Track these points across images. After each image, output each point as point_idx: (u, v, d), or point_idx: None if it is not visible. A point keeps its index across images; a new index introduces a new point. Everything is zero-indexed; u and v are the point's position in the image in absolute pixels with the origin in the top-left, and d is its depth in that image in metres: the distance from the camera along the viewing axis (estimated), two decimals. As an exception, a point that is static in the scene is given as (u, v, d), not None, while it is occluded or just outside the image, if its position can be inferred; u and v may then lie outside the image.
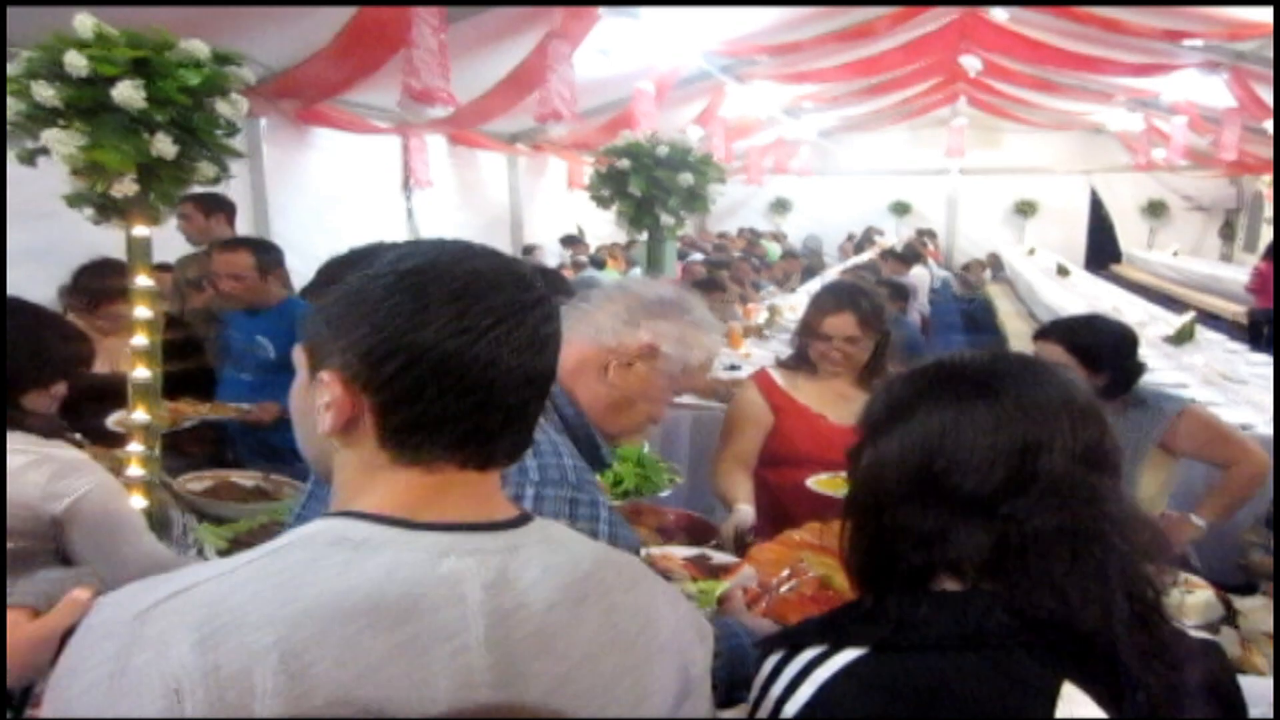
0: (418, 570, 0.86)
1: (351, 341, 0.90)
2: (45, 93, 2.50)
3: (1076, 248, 19.54)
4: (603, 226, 15.05)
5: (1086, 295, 11.36)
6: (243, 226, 7.98)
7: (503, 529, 0.95)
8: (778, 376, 3.22)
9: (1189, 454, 2.99)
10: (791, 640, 1.11)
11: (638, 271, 10.19)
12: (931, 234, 18.69)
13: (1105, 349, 2.86)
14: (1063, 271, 13.76)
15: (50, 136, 2.55)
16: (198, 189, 3.00)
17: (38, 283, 5.16)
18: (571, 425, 1.65)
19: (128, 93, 2.49)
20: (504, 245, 11.75)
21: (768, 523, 2.86)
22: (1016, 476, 1.05)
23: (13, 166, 5.54)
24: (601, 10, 7.08)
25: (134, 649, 0.77)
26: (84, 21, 2.56)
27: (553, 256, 12.12)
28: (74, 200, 4.99)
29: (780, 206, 20.71)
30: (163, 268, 4.52)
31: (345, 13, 5.75)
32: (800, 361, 3.15)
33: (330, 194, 8.58)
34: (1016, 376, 1.12)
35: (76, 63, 2.49)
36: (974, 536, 1.04)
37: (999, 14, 9.53)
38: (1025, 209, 20.34)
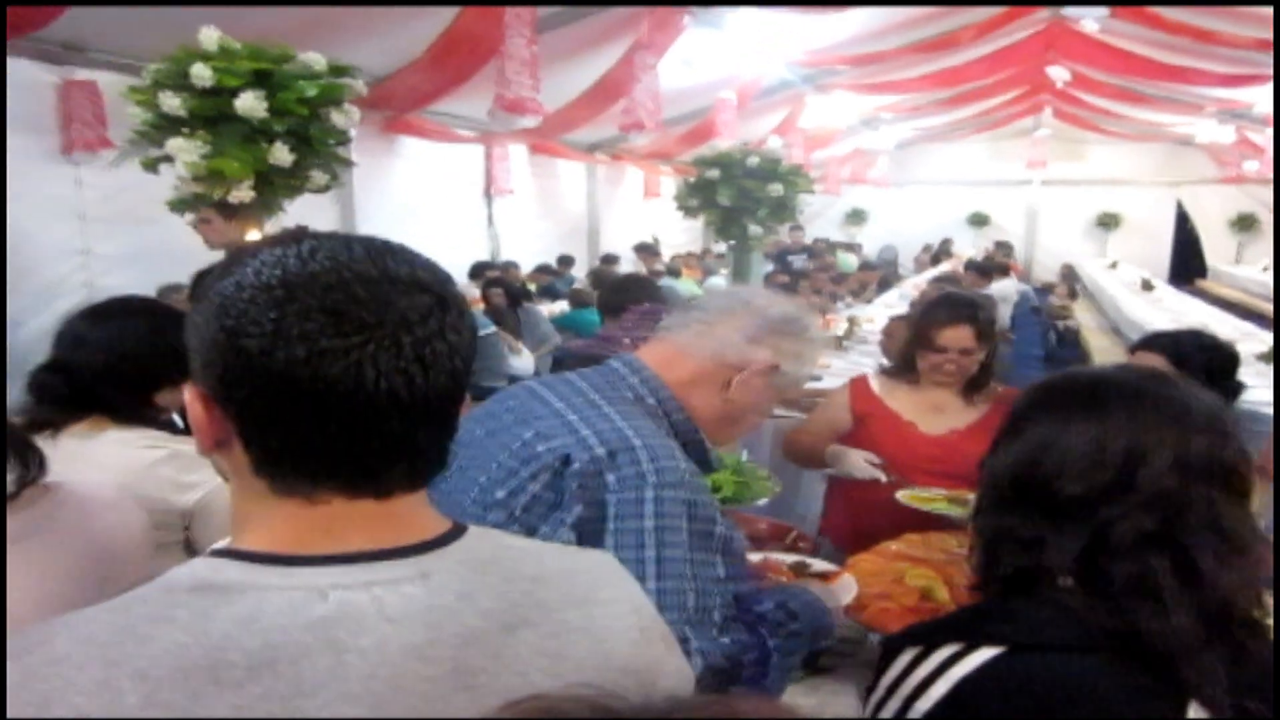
0: (283, 616, 0.77)
1: (207, 360, 0.81)
2: (171, 102, 2.62)
3: (1160, 262, 19.04)
4: (676, 235, 15.11)
5: (1172, 310, 11.08)
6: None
7: (413, 553, 0.84)
8: (875, 383, 3.23)
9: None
10: (923, 639, 1.12)
11: (718, 280, 10.22)
12: (1009, 246, 18.38)
13: (1207, 364, 2.81)
14: (1147, 286, 13.44)
15: (175, 145, 2.67)
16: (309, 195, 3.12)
17: (139, 285, 5.36)
18: (680, 431, 1.65)
19: (250, 103, 2.60)
20: (581, 253, 11.88)
21: (845, 528, 2.88)
22: (1115, 483, 1.06)
23: (114, 176, 5.80)
24: (687, 20, 7.12)
25: None
26: (209, 34, 2.68)
27: (628, 264, 12.18)
28: (176, 206, 5.19)
29: (856, 217, 20.55)
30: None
31: (439, 24, 5.88)
32: (904, 370, 3.16)
33: (414, 201, 8.75)
34: (1127, 386, 1.15)
35: (202, 74, 2.61)
36: (1068, 542, 1.07)
37: (1089, 24, 9.37)
38: (1108, 222, 19.90)
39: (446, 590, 0.83)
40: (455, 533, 0.89)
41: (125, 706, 0.72)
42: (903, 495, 2.77)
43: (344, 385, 0.77)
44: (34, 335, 5.50)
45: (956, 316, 3.02)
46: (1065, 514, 1.08)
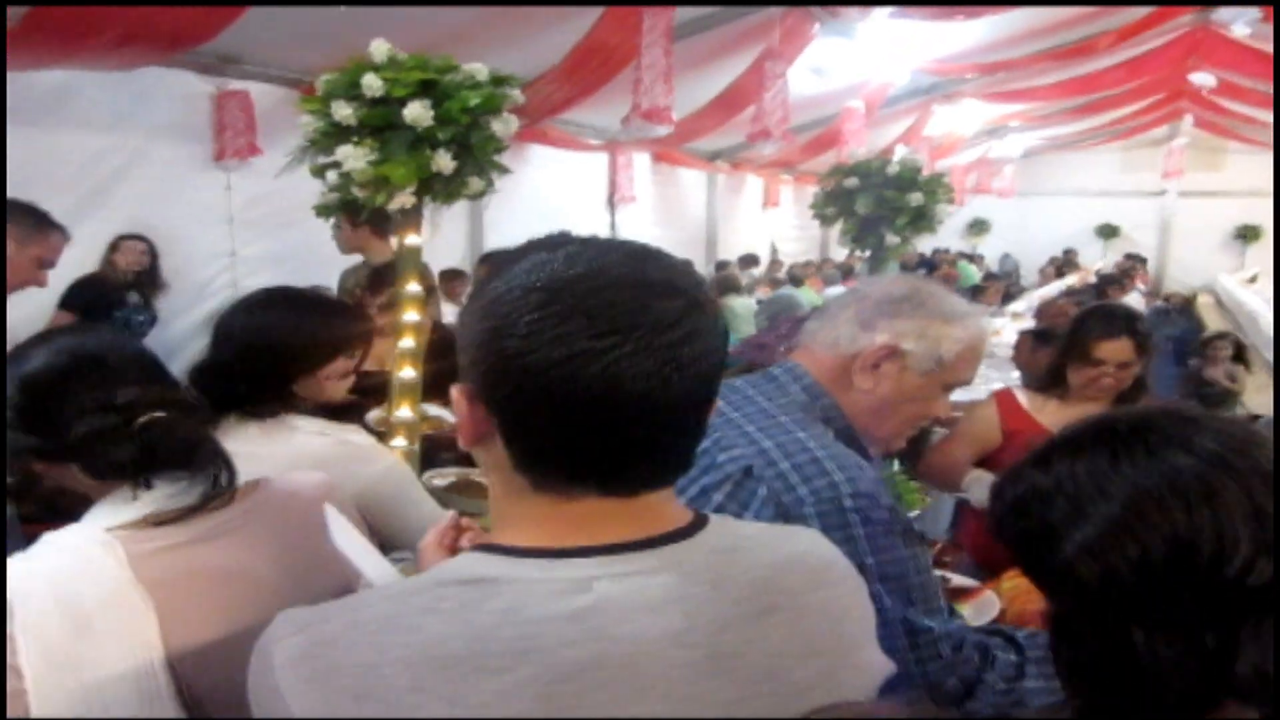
0: (544, 608, 0.81)
1: (472, 359, 0.86)
2: (343, 111, 2.70)
3: (1303, 277, 18.12)
4: (793, 245, 15.02)
5: (1316, 326, 10.51)
6: (457, 241, 8.40)
7: (664, 544, 0.87)
8: (1022, 398, 3.15)
9: None
10: None
11: (838, 289, 10.10)
12: (1140, 259, 17.72)
13: None
14: (1289, 301, 12.79)
15: (344, 152, 2.74)
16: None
17: (290, 284, 5.56)
18: (843, 436, 1.64)
19: (417, 112, 2.66)
20: (699, 261, 11.89)
21: (980, 544, 2.82)
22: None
23: (260, 182, 6.02)
24: (817, 28, 7.06)
25: (267, 674, 0.83)
26: (379, 46, 2.76)
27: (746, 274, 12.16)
28: (323, 211, 5.33)
29: (978, 227, 20.09)
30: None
31: (575, 34, 5.95)
32: (1052, 384, 3.07)
33: (540, 210, 8.86)
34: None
35: (372, 84, 2.68)
36: (1258, 648, 0.83)
37: (1239, 29, 8.97)
38: (1247, 234, 19.00)
39: (699, 579, 0.86)
40: (700, 523, 0.92)
41: (391, 690, 0.78)
42: None
43: (599, 387, 0.79)
44: (183, 333, 5.76)
45: (1115, 329, 2.94)
46: (1247, 609, 0.83)
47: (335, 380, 2.38)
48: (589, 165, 9.76)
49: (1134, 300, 10.38)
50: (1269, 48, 9.95)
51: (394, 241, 3.26)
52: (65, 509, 1.69)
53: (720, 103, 7.92)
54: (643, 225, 10.93)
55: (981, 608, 2.12)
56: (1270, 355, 9.01)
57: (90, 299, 5.15)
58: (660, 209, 11.38)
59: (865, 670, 0.97)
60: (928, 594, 1.45)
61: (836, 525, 1.40)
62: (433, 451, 3.88)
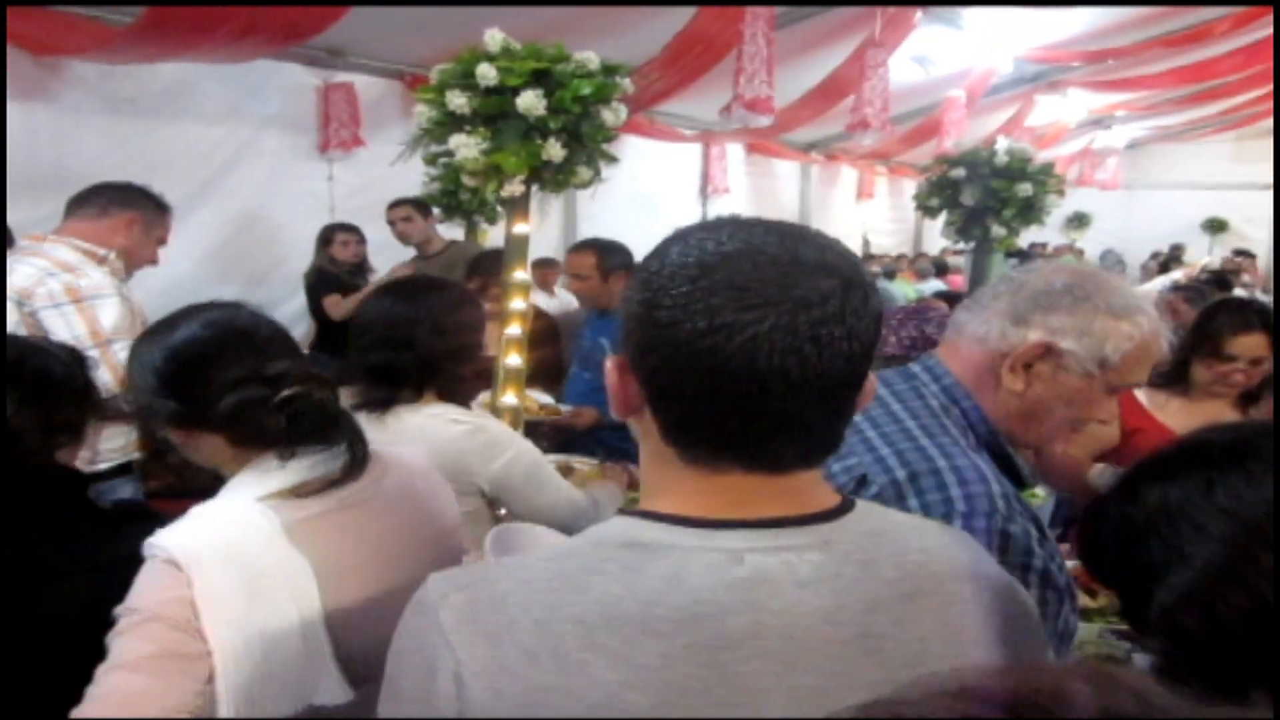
0: (705, 576, 0.83)
1: (628, 330, 0.89)
2: (458, 100, 2.73)
3: None
4: (885, 238, 14.79)
5: None
6: (552, 232, 8.46)
7: (814, 522, 0.88)
8: (1142, 395, 3.05)
9: None
10: None
11: (936, 284, 9.92)
12: (1250, 254, 17.03)
13: None
14: None
15: (458, 141, 2.78)
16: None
17: (388, 270, 5.68)
18: (986, 442, 1.51)
19: (531, 101, 2.68)
20: (792, 254, 11.77)
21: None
22: None
23: (361, 172, 6.14)
24: (920, 17, 6.93)
25: (431, 631, 0.84)
26: (494, 36, 2.78)
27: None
28: (427, 201, 5.37)
29: (1078, 221, 19.52)
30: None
31: (676, 23, 5.93)
32: (1174, 380, 2.97)
33: (634, 200, 8.87)
34: None
35: (487, 74, 2.70)
36: None
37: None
38: (1365, 229, 18.13)
39: (850, 558, 0.88)
40: (848, 506, 0.92)
41: (564, 647, 0.80)
42: None
43: (741, 358, 0.81)
44: (285, 320, 5.90)
45: (1248, 323, 2.83)
46: None
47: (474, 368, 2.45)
48: (683, 156, 9.73)
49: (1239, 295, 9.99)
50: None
51: (497, 231, 3.29)
52: (190, 484, 1.77)
53: (819, 92, 7.82)
54: (736, 216, 10.88)
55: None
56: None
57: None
58: (753, 200, 11.29)
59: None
60: None
61: None
62: (531, 438, 3.93)
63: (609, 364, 0.92)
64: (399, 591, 1.43)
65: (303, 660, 1.28)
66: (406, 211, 5.54)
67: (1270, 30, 9.95)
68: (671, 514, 0.88)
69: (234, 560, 1.25)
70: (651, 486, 0.94)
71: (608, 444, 3.88)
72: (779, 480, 0.88)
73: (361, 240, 5.75)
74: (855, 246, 13.56)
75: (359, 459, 1.47)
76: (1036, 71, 10.07)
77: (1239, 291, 10.39)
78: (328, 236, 5.69)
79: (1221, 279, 9.11)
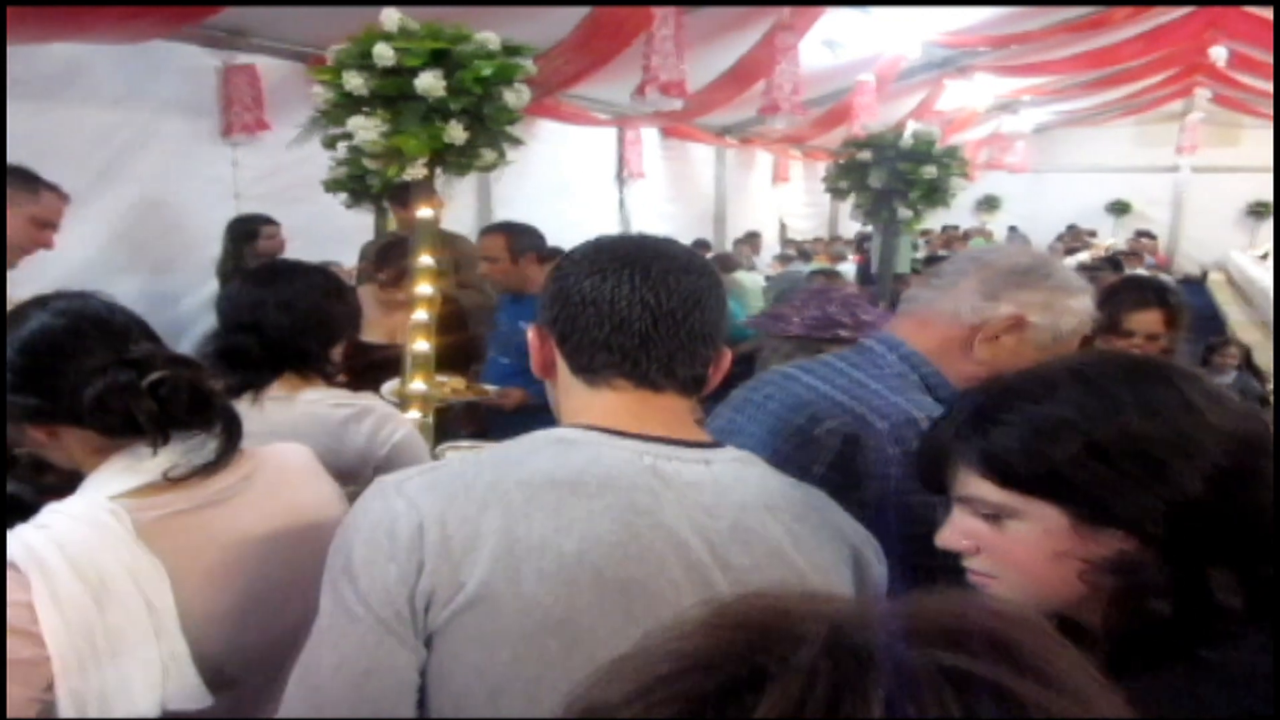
0: (619, 461, 1.08)
1: (545, 301, 1.20)
2: (355, 81, 2.67)
3: (1317, 253, 17.99)
4: (802, 221, 14.95)
5: (1328, 304, 10.44)
6: (466, 216, 8.35)
7: (696, 447, 1.14)
8: None
9: None
10: None
11: (846, 266, 10.04)
12: (1151, 235, 17.60)
13: None
14: (1302, 279, 12.70)
15: (356, 123, 2.72)
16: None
17: (298, 258, 5.53)
18: (947, 404, 1.62)
19: (430, 82, 2.63)
20: (709, 237, 11.83)
21: None
22: None
23: (268, 157, 6.00)
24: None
25: (393, 500, 1.04)
26: (390, 15, 2.72)
27: (770, 250, 12.12)
28: (331, 186, 5.31)
29: (989, 204, 19.95)
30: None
31: (586, 6, 5.88)
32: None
33: (550, 185, 8.82)
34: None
35: (384, 53, 2.65)
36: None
37: (1258, 0, 8.86)
38: (1260, 210, 18.85)
39: (725, 474, 1.13)
40: (721, 444, 1.18)
41: (511, 500, 1.03)
42: None
43: (619, 297, 1.13)
44: (194, 310, 5.73)
45: (1145, 300, 2.92)
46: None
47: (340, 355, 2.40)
48: (598, 140, 9.69)
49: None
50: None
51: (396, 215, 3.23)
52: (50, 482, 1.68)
53: (732, 76, 7.85)
54: (652, 201, 10.87)
55: None
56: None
57: None
58: (670, 185, 11.31)
59: (846, 581, 1.15)
60: None
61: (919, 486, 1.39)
62: (448, 425, 3.88)
63: (530, 332, 1.20)
64: (265, 594, 1.39)
65: (156, 665, 1.22)
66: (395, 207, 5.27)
67: (1169, 17, 10.29)
68: (587, 424, 1.13)
69: (78, 562, 1.18)
70: (567, 412, 1.19)
71: (533, 428, 3.84)
72: (660, 399, 1.15)
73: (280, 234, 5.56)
74: (772, 230, 13.71)
75: (234, 441, 1.42)
76: (945, 57, 10.24)
77: (1140, 272, 10.74)
78: (251, 231, 5.44)
79: (1115, 261, 9.38)
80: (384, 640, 0.98)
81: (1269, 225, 18.77)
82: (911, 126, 4.93)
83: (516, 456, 1.09)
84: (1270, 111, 15.90)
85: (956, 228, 16.45)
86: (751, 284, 9.28)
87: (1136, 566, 0.94)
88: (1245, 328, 11.10)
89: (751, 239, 11.76)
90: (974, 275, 1.61)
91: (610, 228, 10.35)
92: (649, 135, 10.41)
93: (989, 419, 1.04)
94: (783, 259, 11.10)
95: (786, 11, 6.76)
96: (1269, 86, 13.50)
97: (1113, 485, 0.95)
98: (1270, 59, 11.59)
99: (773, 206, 13.91)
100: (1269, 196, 18.77)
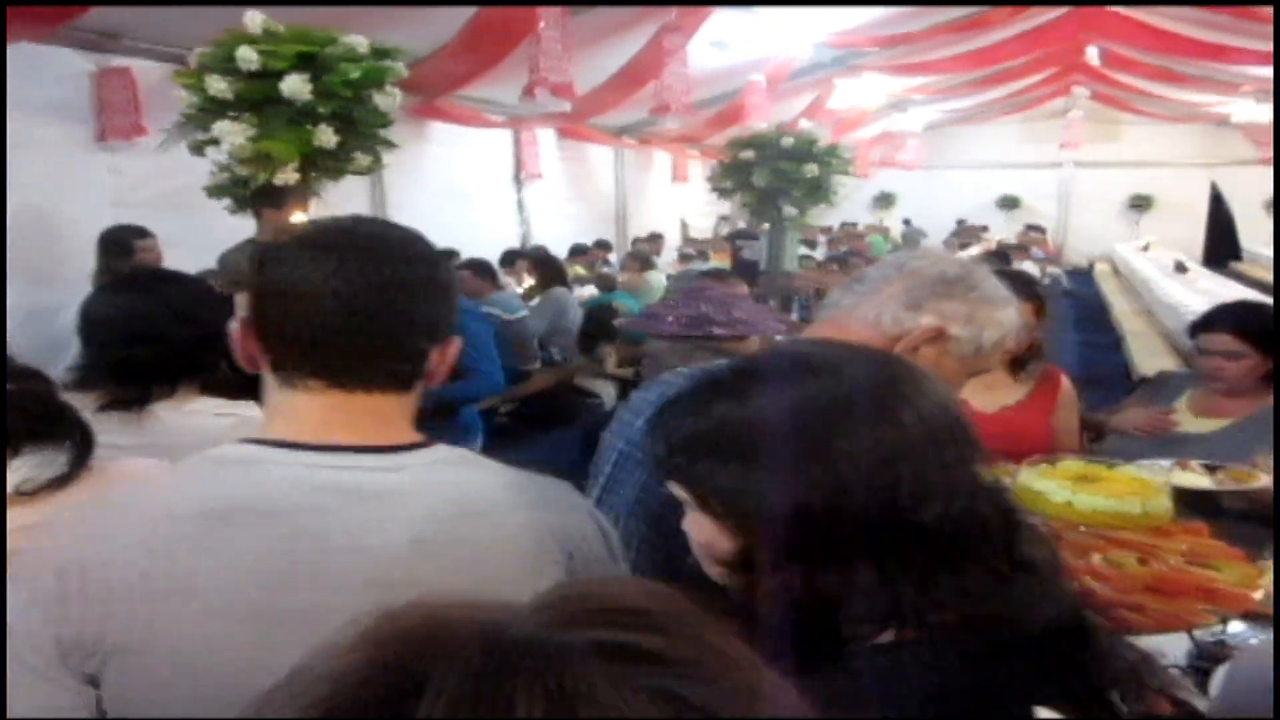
0: (285, 482, 1.01)
1: (249, 297, 1.11)
2: (218, 85, 2.64)
3: (1194, 244, 18.80)
4: (703, 220, 15.08)
5: (1206, 292, 10.91)
6: (363, 219, 8.26)
7: (389, 452, 1.07)
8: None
9: None
10: None
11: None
12: (1040, 229, 18.22)
13: (1276, 332, 2.76)
14: (1180, 268, 13.29)
15: (221, 127, 2.69)
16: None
17: (182, 268, 5.40)
18: None
19: (296, 85, 2.61)
20: (610, 237, 11.87)
21: None
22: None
23: (148, 163, 5.83)
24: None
25: (44, 543, 1.00)
26: (253, 18, 2.69)
27: (671, 249, 12.19)
28: (213, 192, 5.22)
29: (884, 200, 20.42)
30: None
31: (471, 8, 5.86)
32: None
33: (446, 187, 8.76)
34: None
35: (248, 57, 2.62)
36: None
37: (1125, 1, 9.23)
38: (1141, 204, 19.68)
39: (417, 480, 1.06)
40: (428, 443, 1.11)
41: (156, 542, 0.96)
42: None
43: (304, 292, 1.04)
44: (74, 322, 5.55)
45: (1014, 293, 3.01)
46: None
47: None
48: (494, 142, 9.66)
49: (1030, 268, 10.68)
50: (1158, 21, 10.27)
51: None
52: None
53: (623, 77, 7.89)
54: (551, 202, 10.88)
55: None
56: (1169, 323, 9.33)
57: None
58: (568, 185, 11.32)
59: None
60: None
61: None
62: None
63: (233, 325, 1.11)
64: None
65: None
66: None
67: (1046, 18, 10.65)
68: (267, 439, 1.06)
69: None
70: (267, 417, 1.12)
71: (434, 432, 3.83)
72: (358, 399, 1.07)
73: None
74: (673, 229, 13.81)
75: (84, 455, 1.39)
76: (835, 56, 10.44)
77: (1029, 264, 11.11)
78: (125, 244, 5.26)
79: (1002, 254, 9.69)
80: (37, 685, 0.93)
81: (1150, 218, 19.61)
82: (804, 126, 5.02)
83: (170, 486, 1.05)
84: (1146, 109, 16.62)
85: (855, 224, 16.78)
86: (656, 283, 9.36)
87: (744, 564, 0.91)
88: (1129, 316, 11.56)
89: (654, 239, 11.83)
90: (898, 282, 1.55)
91: (510, 229, 10.34)
92: (546, 136, 10.41)
93: (658, 415, 1.04)
94: (683, 258, 11.19)
95: (674, 12, 6.82)
96: (1144, 84, 14.10)
97: (712, 478, 0.93)
98: (1142, 58, 12.10)
99: (673, 206, 14.02)
100: (1149, 190, 19.62)
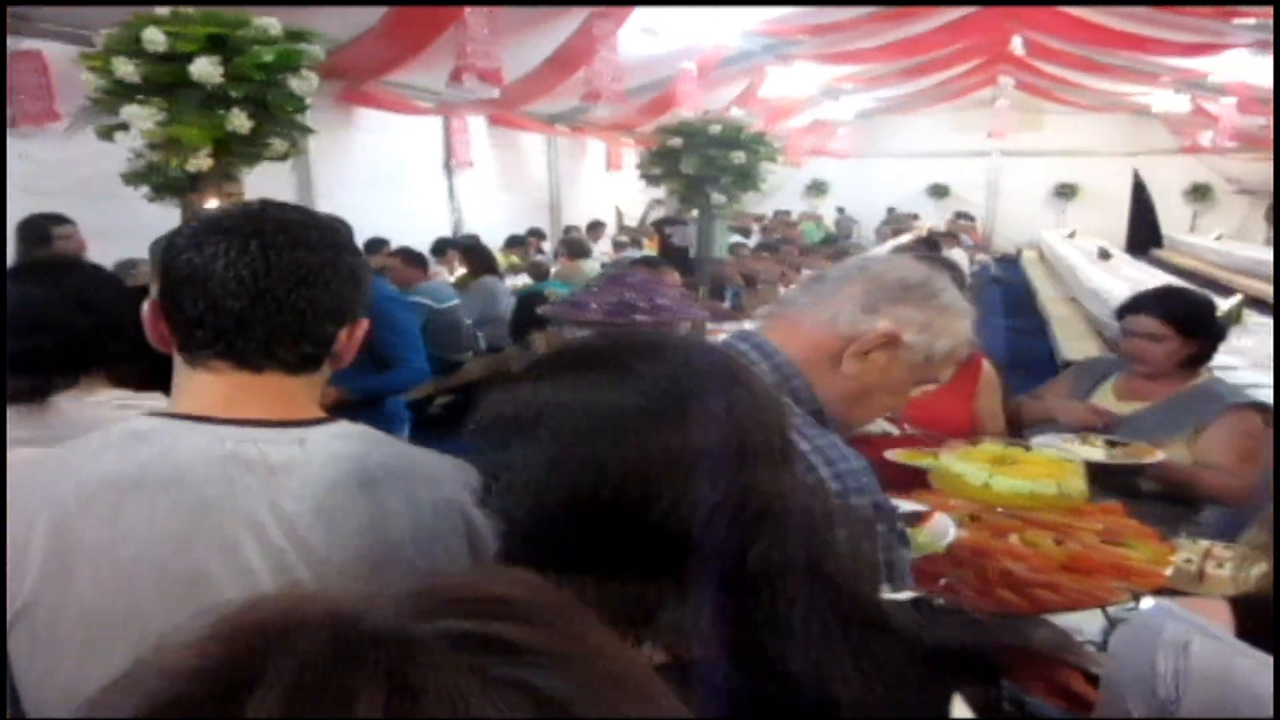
0: (191, 452, 1.04)
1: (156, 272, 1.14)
2: (125, 68, 2.56)
3: (1118, 231, 19.31)
4: (639, 208, 15.07)
5: (1129, 279, 11.17)
6: (287, 208, 8.12)
7: (293, 426, 1.10)
8: None
9: (1210, 450, 2.73)
10: None
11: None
12: (969, 217, 18.53)
13: (1198, 317, 2.83)
14: (1104, 255, 13.60)
15: (130, 112, 2.61)
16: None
17: (99, 259, 5.25)
18: (815, 420, 1.51)
19: (205, 68, 2.54)
20: (545, 226, 11.82)
21: None
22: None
23: (62, 150, 5.66)
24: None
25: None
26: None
27: (607, 240, 12.15)
28: (131, 179, 5.09)
29: (817, 189, 20.60)
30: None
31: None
32: None
33: (375, 175, 8.65)
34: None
35: (155, 39, 2.55)
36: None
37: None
38: (1066, 192, 20.12)
39: (320, 453, 1.09)
40: (329, 418, 1.14)
41: (66, 509, 1.00)
42: (892, 454, 2.75)
43: (201, 270, 1.07)
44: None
45: None
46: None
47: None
48: (424, 129, 9.55)
49: (959, 255, 10.84)
50: (1080, 12, 10.48)
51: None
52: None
53: (553, 64, 7.85)
54: (484, 190, 10.78)
55: (935, 531, 2.10)
56: (1094, 309, 9.53)
57: None
58: (500, 173, 11.24)
59: (461, 553, 1.12)
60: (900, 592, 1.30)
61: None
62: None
63: (146, 306, 1.12)
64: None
65: None
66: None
67: (974, 8, 10.81)
68: (173, 412, 1.09)
69: None
70: (174, 392, 1.14)
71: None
72: (262, 380, 1.10)
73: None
74: (609, 218, 13.79)
75: None
76: (765, 45, 10.50)
77: (958, 252, 11.29)
78: (43, 232, 5.09)
79: (932, 241, 9.82)
80: None
81: (1075, 205, 20.06)
82: (737, 113, 5.04)
83: (81, 457, 1.07)
84: (1070, 98, 16.97)
85: (789, 213, 16.91)
86: (590, 271, 9.32)
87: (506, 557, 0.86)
88: (1055, 302, 11.79)
89: (596, 227, 11.81)
90: (858, 284, 1.51)
91: (442, 217, 10.23)
92: (477, 124, 10.31)
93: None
94: (618, 246, 11.18)
95: (603, -1, 6.80)
96: (1067, 74, 14.39)
97: (479, 462, 0.91)
98: (1065, 48, 12.35)
99: (608, 194, 13.99)
100: (1073, 179, 20.06)
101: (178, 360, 1.12)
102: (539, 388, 0.84)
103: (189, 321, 1.08)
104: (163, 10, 2.59)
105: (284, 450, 1.07)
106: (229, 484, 1.04)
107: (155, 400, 2.21)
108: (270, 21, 2.68)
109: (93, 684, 0.85)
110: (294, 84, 2.75)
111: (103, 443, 1.07)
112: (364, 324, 1.17)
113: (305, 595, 0.44)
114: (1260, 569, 1.16)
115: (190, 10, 2.65)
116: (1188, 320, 2.79)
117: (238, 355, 1.08)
